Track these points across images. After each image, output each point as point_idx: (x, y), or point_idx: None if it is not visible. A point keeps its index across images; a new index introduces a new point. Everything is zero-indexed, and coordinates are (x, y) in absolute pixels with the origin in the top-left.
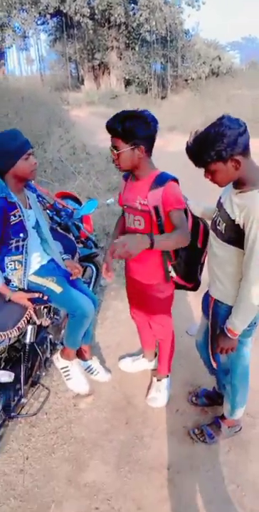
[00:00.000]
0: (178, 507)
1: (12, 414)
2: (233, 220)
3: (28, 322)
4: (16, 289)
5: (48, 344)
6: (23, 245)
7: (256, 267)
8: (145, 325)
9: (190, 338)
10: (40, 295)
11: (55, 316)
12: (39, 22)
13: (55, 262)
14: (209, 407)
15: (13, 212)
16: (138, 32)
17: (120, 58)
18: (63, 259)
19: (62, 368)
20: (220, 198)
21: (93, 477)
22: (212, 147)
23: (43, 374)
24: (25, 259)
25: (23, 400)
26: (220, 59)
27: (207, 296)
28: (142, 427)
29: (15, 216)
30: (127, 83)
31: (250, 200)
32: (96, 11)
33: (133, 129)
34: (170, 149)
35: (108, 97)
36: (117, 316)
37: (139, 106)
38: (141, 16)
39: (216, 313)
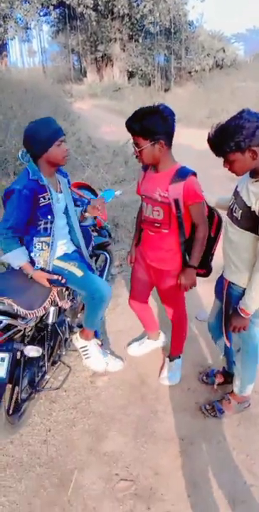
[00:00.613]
0: (192, 474)
1: (37, 388)
2: (249, 207)
3: (51, 304)
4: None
5: (66, 326)
6: (50, 227)
7: None
8: (144, 310)
9: (199, 324)
10: (60, 277)
11: (73, 300)
12: (41, 13)
13: (79, 253)
14: (219, 385)
15: (43, 195)
16: (141, 23)
17: (123, 50)
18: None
19: (81, 348)
20: (236, 186)
21: (112, 447)
22: (232, 138)
23: (63, 353)
24: (52, 242)
25: (46, 376)
26: (224, 51)
27: (221, 280)
28: (156, 403)
29: (44, 198)
30: (130, 75)
31: None
32: (99, 2)
33: (151, 125)
34: (175, 141)
35: (111, 90)
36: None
37: (142, 98)
38: (144, 7)
39: (230, 294)
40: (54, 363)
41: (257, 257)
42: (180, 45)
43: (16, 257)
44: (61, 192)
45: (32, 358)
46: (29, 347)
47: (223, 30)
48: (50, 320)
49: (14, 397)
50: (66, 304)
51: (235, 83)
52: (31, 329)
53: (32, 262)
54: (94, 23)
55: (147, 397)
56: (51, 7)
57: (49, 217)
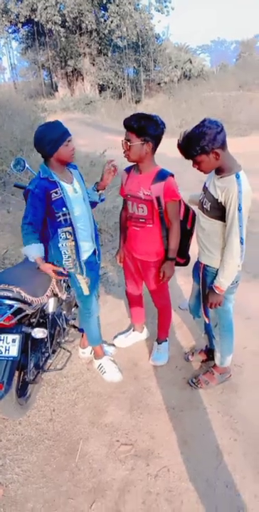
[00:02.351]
0: (183, 435)
1: (42, 369)
2: (216, 199)
3: (52, 293)
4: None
5: (63, 318)
6: (70, 218)
7: (236, 234)
8: (137, 301)
9: (182, 312)
10: (64, 271)
11: (69, 294)
12: (10, 30)
13: (95, 255)
14: (203, 362)
15: (54, 190)
16: (109, 38)
17: (93, 64)
18: None
19: (97, 367)
20: (205, 183)
21: (111, 419)
22: (197, 143)
23: (63, 341)
24: (74, 230)
25: (49, 360)
26: (191, 62)
27: (197, 265)
28: (148, 381)
29: (56, 193)
30: (101, 89)
31: (229, 182)
32: (67, 19)
33: (146, 126)
34: None
35: (83, 103)
36: (116, 299)
37: (114, 111)
38: (112, 22)
39: (205, 276)
40: (54, 351)
41: (226, 240)
42: (148, 58)
43: (33, 251)
44: (71, 183)
45: (37, 342)
46: (36, 329)
47: (189, 43)
48: (51, 309)
49: (21, 379)
50: (63, 295)
51: (203, 93)
52: (36, 316)
53: (59, 253)
54: (63, 38)
55: (140, 377)
56: (19, 24)
57: (64, 209)
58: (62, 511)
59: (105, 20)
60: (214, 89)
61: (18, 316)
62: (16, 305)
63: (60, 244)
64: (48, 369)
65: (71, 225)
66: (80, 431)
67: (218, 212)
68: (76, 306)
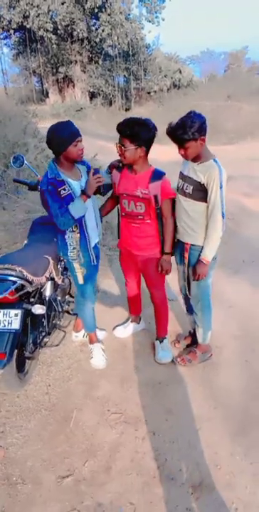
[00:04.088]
0: (168, 405)
1: (40, 344)
2: (199, 182)
3: (49, 276)
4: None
5: (58, 303)
6: None
7: (219, 209)
8: (136, 295)
9: (169, 302)
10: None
11: (64, 280)
12: (2, 36)
13: (98, 248)
14: (188, 347)
15: (62, 187)
16: (100, 46)
17: (84, 72)
18: None
19: (90, 349)
20: (181, 173)
21: (103, 393)
22: (190, 130)
23: (58, 323)
24: (80, 223)
25: (46, 339)
26: (180, 72)
27: (181, 247)
28: (136, 360)
29: (64, 190)
30: (92, 96)
31: (209, 166)
32: (59, 26)
33: (139, 132)
34: None
35: (74, 110)
36: (110, 288)
37: (104, 118)
38: (103, 31)
39: (190, 254)
40: (50, 332)
41: (209, 217)
42: (138, 67)
43: (78, 207)
44: (79, 180)
45: (36, 320)
46: (36, 305)
47: (179, 53)
48: (48, 292)
49: (21, 355)
50: (59, 280)
51: (192, 102)
52: (35, 296)
53: (64, 244)
54: (54, 45)
55: (129, 357)
56: (11, 31)
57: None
58: (58, 468)
59: (97, 29)
60: (203, 99)
61: (20, 292)
62: (19, 281)
63: (66, 236)
64: (45, 345)
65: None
66: (74, 402)
67: (201, 193)
68: (69, 294)
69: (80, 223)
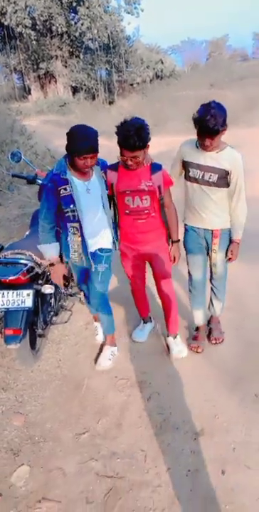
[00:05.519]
0: (170, 369)
1: (50, 322)
2: (224, 170)
3: None
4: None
5: None
6: (78, 215)
7: (244, 193)
8: (142, 295)
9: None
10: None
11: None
12: None
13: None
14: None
15: (63, 187)
16: (81, 40)
17: (65, 66)
18: None
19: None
20: (194, 163)
21: (111, 366)
22: (221, 120)
23: (65, 304)
24: (81, 227)
25: (55, 319)
26: (162, 62)
27: (206, 235)
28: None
29: (65, 190)
30: (75, 90)
31: (231, 153)
32: (37, 22)
33: (147, 136)
34: None
35: (57, 105)
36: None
37: (88, 112)
38: (82, 25)
39: (222, 237)
40: (57, 312)
41: (236, 200)
42: (120, 59)
43: (48, 250)
44: (88, 181)
45: (45, 299)
46: (46, 285)
47: (160, 44)
48: None
49: (32, 333)
50: None
51: (176, 92)
52: (43, 278)
53: (66, 246)
54: (34, 41)
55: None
56: None
57: (71, 206)
58: (75, 427)
59: (76, 23)
60: (186, 89)
61: (31, 274)
62: (29, 263)
63: (68, 238)
64: (54, 323)
65: (78, 221)
66: (84, 373)
67: (224, 180)
68: (72, 278)
69: (80, 228)
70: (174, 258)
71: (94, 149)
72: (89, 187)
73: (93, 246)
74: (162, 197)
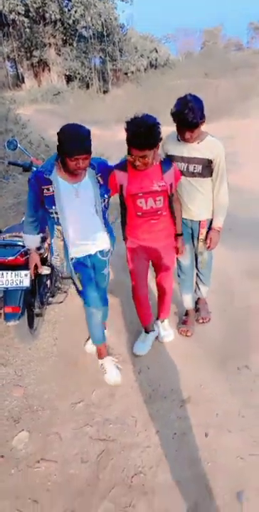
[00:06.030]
0: (159, 346)
1: (47, 302)
2: (207, 159)
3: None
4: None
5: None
6: (61, 218)
7: (226, 180)
8: (146, 301)
9: None
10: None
11: None
12: None
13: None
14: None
15: (46, 186)
16: (74, 28)
17: (59, 55)
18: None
19: (100, 366)
20: (177, 156)
21: (107, 341)
22: (198, 113)
23: (60, 286)
24: (63, 231)
25: (51, 299)
26: (156, 51)
27: (194, 226)
28: (131, 315)
29: (48, 190)
30: (69, 79)
31: (212, 142)
32: (30, 9)
33: (158, 135)
34: (117, 139)
35: (51, 94)
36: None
37: (82, 101)
38: (76, 12)
39: (208, 227)
40: (53, 294)
41: (218, 188)
42: (114, 48)
43: (27, 241)
44: (77, 183)
45: (42, 280)
46: (43, 266)
47: (154, 32)
48: (49, 257)
49: (30, 313)
50: None
51: (170, 81)
52: (43, 255)
53: (51, 248)
54: (27, 29)
55: (124, 311)
56: None
57: (54, 207)
58: (71, 398)
59: (69, 10)
60: (181, 78)
61: (28, 256)
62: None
63: (52, 240)
64: (50, 303)
65: (61, 224)
66: (80, 349)
67: (208, 169)
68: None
69: (63, 233)
70: (179, 251)
71: (86, 150)
72: (79, 190)
73: (76, 253)
74: (172, 193)
